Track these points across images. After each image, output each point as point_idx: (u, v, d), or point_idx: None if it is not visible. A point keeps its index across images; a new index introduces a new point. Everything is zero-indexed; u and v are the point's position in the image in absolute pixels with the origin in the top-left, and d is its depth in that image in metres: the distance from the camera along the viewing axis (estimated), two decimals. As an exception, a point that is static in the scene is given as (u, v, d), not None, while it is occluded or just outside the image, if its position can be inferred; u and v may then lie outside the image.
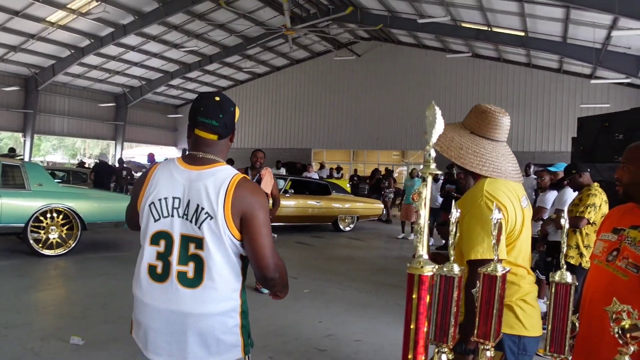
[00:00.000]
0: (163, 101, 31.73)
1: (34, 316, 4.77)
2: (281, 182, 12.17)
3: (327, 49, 27.12)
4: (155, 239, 1.80)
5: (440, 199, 10.53)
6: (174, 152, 33.26)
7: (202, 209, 1.73)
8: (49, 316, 4.83)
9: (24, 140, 24.61)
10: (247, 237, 1.75)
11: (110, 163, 18.49)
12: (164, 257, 1.78)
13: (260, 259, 1.75)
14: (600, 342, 1.67)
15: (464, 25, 19.17)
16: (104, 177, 12.11)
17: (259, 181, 6.15)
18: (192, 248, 1.75)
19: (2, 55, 21.24)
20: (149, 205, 1.82)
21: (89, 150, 45.02)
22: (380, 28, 20.87)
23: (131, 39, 21.24)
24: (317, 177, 15.34)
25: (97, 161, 12.96)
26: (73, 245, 7.82)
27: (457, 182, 9.89)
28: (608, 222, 2.07)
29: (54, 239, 7.72)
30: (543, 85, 23.57)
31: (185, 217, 1.76)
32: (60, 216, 7.76)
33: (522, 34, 17.96)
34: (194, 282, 1.75)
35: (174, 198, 1.79)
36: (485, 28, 18.65)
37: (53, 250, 7.67)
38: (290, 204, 11.27)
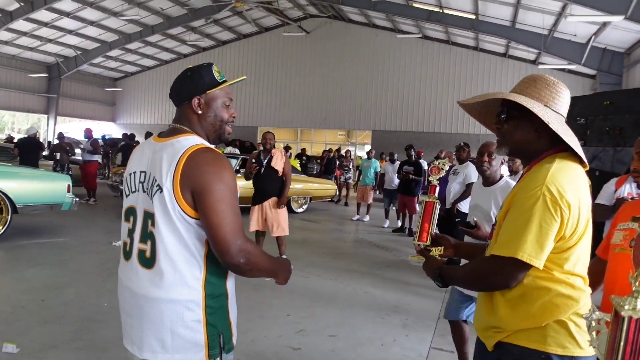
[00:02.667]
0: (100, 73, 30.04)
1: (-44, 316, 4.12)
2: (233, 162, 11.65)
3: (275, 24, 26.39)
4: (127, 215, 1.73)
5: (397, 181, 10.32)
6: (112, 128, 31.64)
7: (155, 180, 1.61)
8: (-26, 316, 4.18)
9: (-56, 112, 22.59)
10: (200, 215, 1.56)
11: (42, 138, 17.15)
12: (131, 233, 1.69)
13: (216, 242, 1.53)
14: None
15: (415, 5, 19.02)
16: (31, 153, 11.11)
17: (270, 160, 6.13)
18: (149, 224, 1.63)
19: None
20: (124, 181, 1.79)
21: (18, 125, 42.21)
22: (331, 4, 20.37)
23: (66, 4, 19.78)
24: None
25: (25, 136, 11.83)
26: (1, 231, 7.03)
27: (417, 164, 9.70)
28: (624, 213, 2.15)
29: (-21, 223, 6.90)
30: (489, 69, 23.94)
31: (146, 191, 1.66)
32: (-13, 198, 6.93)
33: (473, 16, 17.99)
34: (150, 262, 1.62)
35: (140, 172, 1.70)
36: (437, 9, 18.57)
37: (-21, 236, 6.87)
38: (240, 184, 10.75)
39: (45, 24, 21.72)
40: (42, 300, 4.65)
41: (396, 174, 10.19)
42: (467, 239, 3.19)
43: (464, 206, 6.72)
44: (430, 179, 2.10)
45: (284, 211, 6.20)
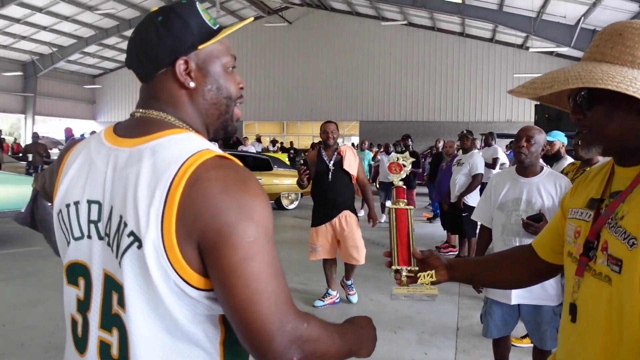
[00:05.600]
0: (78, 70, 29.13)
1: None
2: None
3: (257, 15, 25.69)
4: (71, 275, 1.00)
5: (392, 173, 9.80)
6: (93, 126, 30.78)
7: (124, 224, 0.87)
8: None
9: None
10: (216, 284, 0.85)
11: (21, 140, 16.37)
12: (83, 309, 0.96)
13: (248, 333, 0.84)
14: None
15: (401, -11, 18.56)
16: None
17: (339, 163, 4.54)
18: (113, 301, 0.91)
19: None
20: (57, 215, 1.02)
21: (-4, 126, 41.09)
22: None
23: (37, -1, 18.91)
24: (255, 152, 14.25)
25: None
26: (-35, 241, 6.40)
27: (414, 154, 9.18)
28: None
29: (-61, 234, 6.27)
30: (476, 55, 23.61)
31: (107, 239, 0.92)
32: (-53, 206, 6.30)
33: (460, 1, 17.51)
34: None
35: (89, 203, 0.95)
36: (423, -6, 18.11)
37: (-61, 248, 6.24)
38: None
39: (18, 20, 20.85)
40: (2, 325, 4.05)
41: (392, 166, 9.67)
42: (510, 238, 2.70)
43: (471, 199, 6.24)
44: (392, 179, 1.56)
45: (359, 231, 4.71)
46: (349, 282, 4.97)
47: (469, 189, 6.18)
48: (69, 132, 12.50)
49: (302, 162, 4.57)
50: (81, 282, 0.97)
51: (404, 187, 1.54)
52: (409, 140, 9.22)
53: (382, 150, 11.30)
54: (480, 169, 6.28)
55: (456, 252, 6.96)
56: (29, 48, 24.47)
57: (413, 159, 1.64)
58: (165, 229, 0.83)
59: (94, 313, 0.94)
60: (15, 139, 26.18)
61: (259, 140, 18.44)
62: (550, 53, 20.88)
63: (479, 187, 6.35)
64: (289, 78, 26.04)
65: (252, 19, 1.17)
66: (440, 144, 10.34)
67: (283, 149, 18.09)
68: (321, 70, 25.39)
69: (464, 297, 5.10)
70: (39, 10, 20.14)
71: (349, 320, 1.12)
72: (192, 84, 0.98)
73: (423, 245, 7.75)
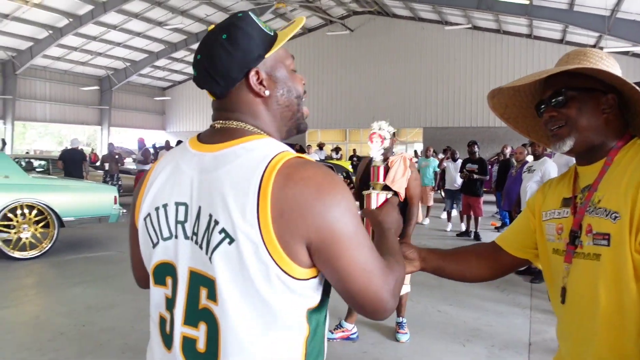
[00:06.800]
0: (149, 83, 30.44)
1: (-10, 347, 3.77)
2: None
3: (319, 25, 25.98)
4: (159, 275, 1.05)
5: (459, 180, 9.56)
6: (164, 137, 32.06)
7: (215, 222, 0.93)
8: (8, 348, 3.80)
9: (4, 128, 23.27)
10: (333, 275, 0.95)
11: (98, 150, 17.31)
12: (170, 306, 1.02)
13: (367, 306, 0.98)
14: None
15: (464, -8, 18.17)
16: (75, 165, 11.07)
17: (385, 176, 3.71)
18: (202, 296, 0.96)
19: (-26, 38, 19.88)
20: (144, 220, 1.07)
21: (74, 137, 43.57)
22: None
23: (112, 17, 19.99)
24: (318, 159, 14.35)
25: (67, 147, 11.85)
26: (49, 246, 6.79)
27: (481, 161, 8.92)
28: None
29: (26, 239, 6.70)
30: (545, 57, 22.67)
31: (194, 238, 0.97)
32: (33, 212, 6.72)
33: (527, 1, 16.91)
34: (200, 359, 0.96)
35: (177, 204, 1.01)
36: (488, -4, 17.61)
37: (27, 252, 6.66)
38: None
39: (94, 38, 22.05)
40: (82, 325, 4.27)
41: (459, 173, 9.43)
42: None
43: (543, 206, 5.98)
44: (371, 155, 1.39)
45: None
46: (399, 320, 4.16)
47: (540, 197, 5.94)
48: (141, 142, 13.12)
49: (344, 174, 3.70)
50: (169, 281, 1.02)
51: (382, 167, 1.40)
52: (475, 146, 8.96)
53: (447, 157, 11.06)
54: (553, 175, 6.02)
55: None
56: (105, 63, 25.83)
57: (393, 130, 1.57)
58: (263, 224, 0.88)
59: (179, 310, 0.99)
60: (93, 149, 27.66)
61: (321, 148, 18.53)
62: (626, 53, 19.77)
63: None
64: (351, 85, 26.04)
65: (304, 19, 1.18)
66: (508, 150, 10.00)
67: (351, 158, 18.11)
68: (383, 77, 25.23)
69: (536, 311, 4.88)
70: (114, 27, 21.23)
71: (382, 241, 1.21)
72: (266, 92, 1.04)
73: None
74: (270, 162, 0.92)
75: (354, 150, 19.91)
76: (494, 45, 23.47)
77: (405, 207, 3.90)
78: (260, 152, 0.95)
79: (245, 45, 1.01)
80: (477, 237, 8.86)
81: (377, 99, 25.29)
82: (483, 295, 5.39)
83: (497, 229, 10.01)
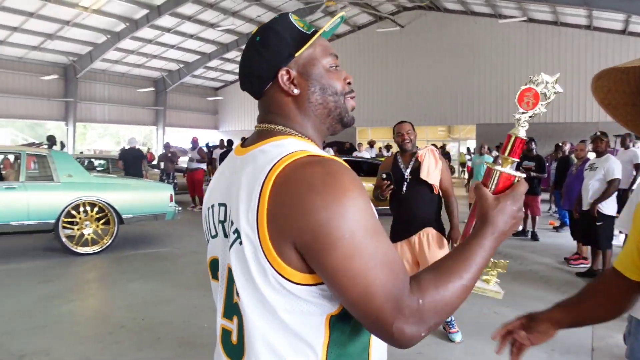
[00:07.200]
0: (202, 84, 31.14)
1: (55, 340, 3.93)
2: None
3: (369, 22, 25.81)
4: (213, 270, 1.12)
5: (515, 179, 9.28)
6: (217, 136, 32.74)
7: (232, 222, 0.98)
8: (72, 339, 3.98)
9: (67, 129, 24.42)
10: (326, 282, 0.89)
11: (153, 149, 17.87)
12: (218, 300, 1.08)
13: (369, 326, 0.89)
14: None
15: (520, -15, 17.60)
16: (134, 164, 11.40)
17: (416, 171, 3.80)
18: (234, 291, 0.99)
19: (39, 44, 20.90)
20: (203, 218, 1.17)
21: (132, 136, 45.27)
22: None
23: (166, 20, 20.54)
24: (369, 157, 14.27)
25: (125, 147, 12.17)
26: (109, 242, 7.06)
27: (538, 158, 8.61)
28: None
29: (88, 235, 6.99)
30: (606, 49, 21.69)
31: (227, 236, 1.02)
32: (95, 209, 7.00)
33: (586, -9, 16.22)
34: (236, 352, 1.00)
35: (219, 205, 1.06)
36: (545, -13, 17.01)
37: (88, 248, 6.94)
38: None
39: (150, 41, 22.75)
40: (142, 319, 4.40)
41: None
42: None
43: (607, 207, 5.73)
44: (516, 117, 1.10)
45: (444, 251, 3.87)
46: (448, 319, 3.96)
47: (604, 196, 5.67)
48: (195, 141, 13.46)
49: (383, 176, 3.68)
50: (218, 275, 1.08)
51: (525, 139, 1.10)
52: (532, 143, 8.66)
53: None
54: (617, 173, 5.74)
55: (588, 265, 6.41)
56: (159, 65, 26.62)
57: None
58: (260, 227, 0.89)
59: (219, 303, 1.05)
60: (149, 148, 28.57)
61: (372, 145, 18.40)
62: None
63: (615, 193, 5.83)
64: (402, 83, 25.74)
65: (343, 13, 1.16)
66: (567, 147, 9.62)
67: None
68: (435, 73, 24.79)
69: (600, 313, 4.66)
70: (168, 30, 21.83)
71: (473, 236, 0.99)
72: (295, 91, 1.03)
73: (550, 256, 7.24)
74: (276, 163, 0.91)
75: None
76: (550, 38, 22.63)
77: (436, 198, 3.88)
78: (272, 153, 0.95)
79: (275, 46, 1.02)
80: (534, 236, 8.56)
81: (428, 96, 24.89)
82: (542, 297, 5.20)
83: (556, 228, 9.65)
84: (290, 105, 1.05)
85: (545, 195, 11.75)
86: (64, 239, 6.78)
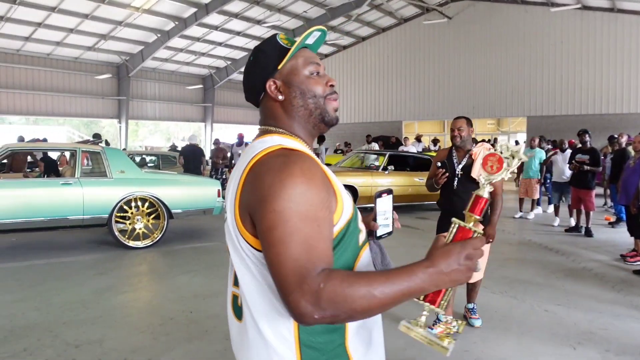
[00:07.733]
0: (248, 80, 31.50)
1: (108, 331, 4.08)
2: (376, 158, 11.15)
3: (415, 14, 25.41)
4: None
5: (568, 172, 8.95)
6: (261, 132, 33.11)
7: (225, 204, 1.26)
8: (124, 330, 4.12)
9: (120, 127, 25.28)
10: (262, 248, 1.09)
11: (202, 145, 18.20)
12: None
13: (277, 283, 1.02)
14: None
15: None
16: (193, 160, 11.55)
17: (468, 168, 3.85)
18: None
19: (94, 45, 21.70)
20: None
21: (181, 133, 46.37)
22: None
23: (214, 18, 20.89)
24: (415, 151, 14.08)
25: (188, 144, 12.32)
26: (159, 236, 7.27)
27: (592, 151, 8.28)
28: None
29: (139, 229, 7.21)
30: (668, 36, 20.54)
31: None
32: (146, 204, 7.22)
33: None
34: (239, 312, 1.24)
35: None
36: (602, -29, 16.25)
37: (140, 242, 7.17)
38: (389, 181, 10.22)
39: (198, 39, 23.21)
40: (190, 312, 4.50)
41: (567, 164, 8.82)
42: None
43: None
44: (480, 179, 1.14)
45: (487, 248, 3.96)
46: (470, 306, 4.25)
47: (664, 190, 5.39)
48: (240, 137, 13.70)
49: (439, 164, 3.81)
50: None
51: (488, 199, 1.12)
52: (587, 135, 8.32)
53: (554, 148, 10.39)
54: (680, 166, 5.44)
55: (646, 262, 6.12)
56: (207, 63, 27.14)
57: (525, 158, 1.18)
58: (235, 203, 1.12)
59: (230, 273, 1.29)
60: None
61: (419, 140, 18.15)
62: None
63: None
64: (450, 75, 25.24)
65: (322, 27, 1.30)
66: (624, 139, 9.20)
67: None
68: (483, 65, 24.18)
69: (659, 314, 4.44)
70: (215, 28, 22.20)
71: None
72: (280, 97, 1.24)
73: (605, 253, 6.96)
74: (256, 154, 1.13)
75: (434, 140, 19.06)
76: (606, 25, 21.64)
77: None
78: (256, 148, 1.16)
79: (263, 62, 1.25)
80: (588, 232, 8.25)
81: (477, 88, 24.32)
82: (596, 295, 5.00)
83: (612, 224, 9.26)
84: (279, 110, 1.26)
85: (599, 190, 11.30)
86: (116, 233, 7.03)
